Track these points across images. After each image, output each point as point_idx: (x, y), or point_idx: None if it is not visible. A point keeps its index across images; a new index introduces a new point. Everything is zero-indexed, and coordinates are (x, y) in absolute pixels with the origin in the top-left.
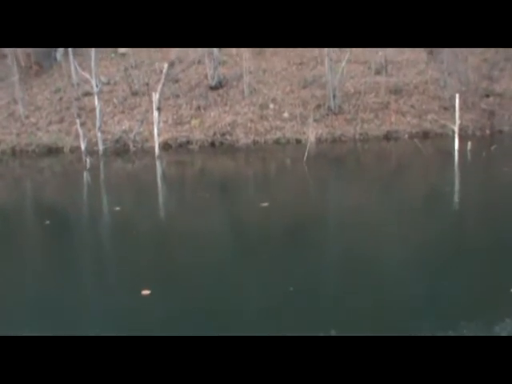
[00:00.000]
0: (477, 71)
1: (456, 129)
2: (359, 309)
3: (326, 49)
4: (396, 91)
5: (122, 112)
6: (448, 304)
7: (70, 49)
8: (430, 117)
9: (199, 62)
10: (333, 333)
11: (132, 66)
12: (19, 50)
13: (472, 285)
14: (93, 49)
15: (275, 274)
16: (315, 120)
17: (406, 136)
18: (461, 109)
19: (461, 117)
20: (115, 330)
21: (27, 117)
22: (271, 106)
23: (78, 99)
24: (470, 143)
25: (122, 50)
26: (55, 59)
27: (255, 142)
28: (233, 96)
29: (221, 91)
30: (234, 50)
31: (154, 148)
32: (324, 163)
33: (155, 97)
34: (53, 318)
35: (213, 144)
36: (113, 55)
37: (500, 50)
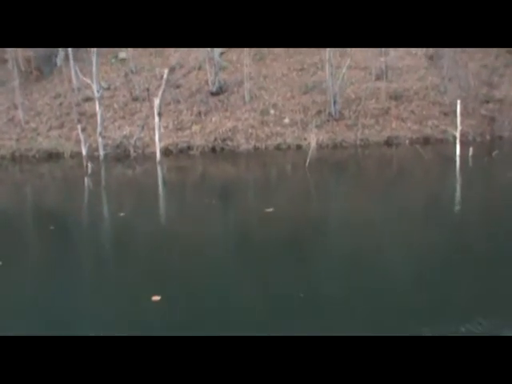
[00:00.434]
0: (477, 77)
1: (458, 134)
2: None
3: (326, 55)
4: (396, 97)
5: (123, 117)
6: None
7: (70, 54)
8: (430, 122)
9: (200, 67)
10: (333, 333)
11: (132, 72)
12: (20, 56)
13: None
14: (94, 54)
15: (287, 279)
16: (316, 126)
17: (407, 142)
18: (461, 115)
19: (461, 123)
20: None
21: (27, 122)
22: (272, 111)
23: (78, 105)
24: (471, 149)
25: (122, 55)
26: (55, 64)
27: (256, 148)
28: (233, 102)
29: (221, 97)
30: (234, 56)
31: (154, 153)
32: (326, 169)
33: (156, 102)
34: (61, 324)
35: (213, 149)
36: (113, 60)
37: (500, 55)
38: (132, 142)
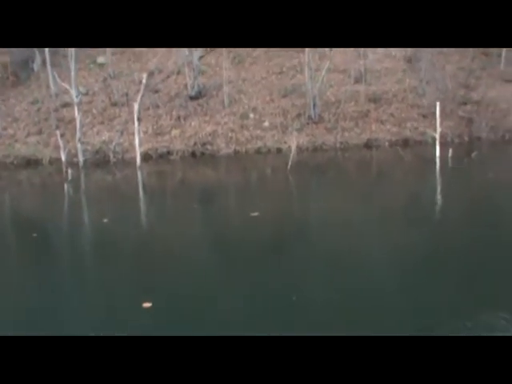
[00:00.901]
0: (454, 79)
1: (437, 136)
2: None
3: (306, 58)
4: (375, 99)
5: (102, 123)
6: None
7: (47, 59)
8: (409, 124)
9: (179, 71)
10: (333, 333)
11: (111, 77)
12: None
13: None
14: (72, 59)
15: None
16: (296, 129)
17: (387, 144)
18: (440, 116)
19: (440, 124)
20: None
21: (4, 128)
22: (251, 115)
23: (56, 110)
24: (451, 150)
25: (100, 59)
26: (32, 70)
27: (236, 152)
28: (213, 106)
29: (201, 101)
30: (213, 60)
31: (134, 159)
32: (307, 172)
33: (135, 107)
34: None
35: (193, 154)
36: (91, 65)
37: (476, 58)
38: (111, 147)
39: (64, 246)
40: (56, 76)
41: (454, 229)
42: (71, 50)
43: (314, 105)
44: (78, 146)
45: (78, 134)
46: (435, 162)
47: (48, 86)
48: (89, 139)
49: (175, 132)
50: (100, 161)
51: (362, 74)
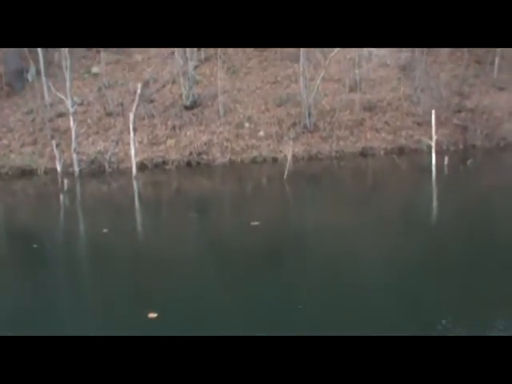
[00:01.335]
0: (448, 87)
1: (433, 144)
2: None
3: (300, 67)
4: (370, 108)
5: (97, 133)
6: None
7: (42, 69)
8: (404, 133)
9: (173, 81)
10: (333, 333)
11: (106, 86)
12: None
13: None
14: (67, 69)
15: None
16: (291, 138)
17: (382, 152)
18: (435, 124)
19: (435, 132)
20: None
21: None
22: (247, 124)
23: (51, 120)
24: (447, 158)
25: (95, 69)
26: (27, 80)
27: (232, 161)
28: (208, 115)
29: (196, 111)
30: (207, 70)
31: (129, 169)
32: (304, 181)
33: (131, 117)
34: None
35: (189, 164)
36: (86, 75)
37: (469, 66)
38: (107, 157)
39: (67, 256)
40: (51, 86)
41: (452, 237)
42: (66, 61)
43: (309, 114)
44: (74, 156)
45: (73, 144)
46: (431, 170)
47: (43, 96)
48: (84, 149)
49: (170, 142)
50: (95, 171)
51: (356, 82)
